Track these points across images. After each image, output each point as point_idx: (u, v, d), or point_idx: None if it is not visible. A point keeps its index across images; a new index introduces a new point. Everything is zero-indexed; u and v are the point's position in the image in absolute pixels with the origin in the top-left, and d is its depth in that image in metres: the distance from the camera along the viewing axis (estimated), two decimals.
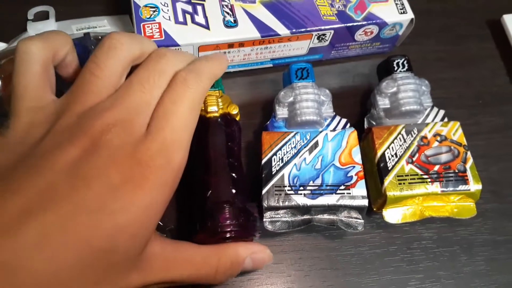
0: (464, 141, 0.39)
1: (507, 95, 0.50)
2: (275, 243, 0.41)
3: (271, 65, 0.49)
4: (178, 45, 0.42)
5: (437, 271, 0.40)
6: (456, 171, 0.38)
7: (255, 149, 0.42)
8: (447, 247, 0.41)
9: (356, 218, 0.37)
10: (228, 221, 0.35)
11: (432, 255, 0.41)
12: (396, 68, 0.43)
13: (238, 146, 0.40)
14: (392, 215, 0.38)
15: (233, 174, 0.37)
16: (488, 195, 0.43)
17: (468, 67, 0.52)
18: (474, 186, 0.37)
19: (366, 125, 0.42)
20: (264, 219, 0.37)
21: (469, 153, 0.39)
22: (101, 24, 0.48)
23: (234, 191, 0.36)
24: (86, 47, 0.43)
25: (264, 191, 0.37)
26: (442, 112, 0.42)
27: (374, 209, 0.39)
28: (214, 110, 0.39)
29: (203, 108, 0.39)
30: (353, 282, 0.39)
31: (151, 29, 0.42)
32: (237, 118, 0.41)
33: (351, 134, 0.40)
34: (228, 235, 0.35)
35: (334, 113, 0.42)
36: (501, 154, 0.46)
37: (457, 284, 0.40)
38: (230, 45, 0.43)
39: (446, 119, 0.42)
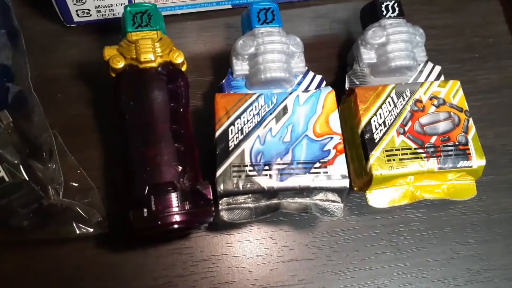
0: (465, 105, 0.32)
1: (505, 47, 0.43)
2: (235, 230, 0.34)
3: (229, 6, 0.40)
4: None
5: (425, 258, 0.35)
6: (457, 143, 0.31)
7: (207, 116, 0.33)
8: (437, 229, 0.36)
9: (333, 201, 0.30)
10: (169, 209, 0.27)
11: (420, 239, 0.35)
12: (384, 12, 0.35)
13: (184, 107, 0.32)
14: (378, 198, 0.31)
15: (179, 145, 0.29)
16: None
17: (461, 12, 0.45)
18: (477, 161, 0.31)
19: (347, 85, 0.34)
20: (220, 207, 0.29)
21: (471, 120, 0.32)
22: None
23: (179, 167, 0.29)
24: None
25: (218, 172, 0.29)
26: (438, 68, 0.35)
27: (355, 189, 0.32)
28: (150, 58, 0.30)
29: (135, 56, 0.30)
30: (329, 275, 0.33)
31: None
32: (183, 69, 0.32)
33: (328, 96, 0.32)
34: (170, 227, 0.27)
35: (307, 67, 0.34)
36: (497, 117, 0.40)
37: (446, 273, 0.34)
38: None
39: (442, 77, 0.35)
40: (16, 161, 0.27)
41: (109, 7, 0.35)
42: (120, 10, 0.35)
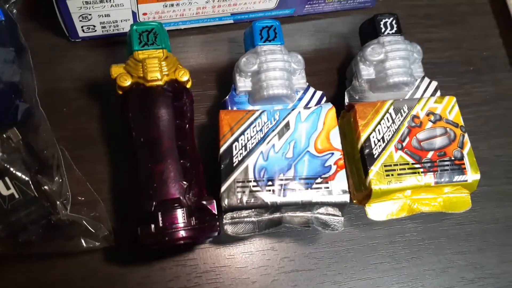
0: (461, 121, 0.33)
1: (500, 60, 0.44)
2: (237, 242, 0.34)
3: (231, 22, 0.40)
4: None
5: (421, 267, 0.35)
6: (452, 158, 0.32)
7: (211, 131, 0.34)
8: (432, 239, 0.36)
9: (334, 215, 0.31)
10: (176, 225, 0.28)
11: (416, 249, 0.36)
12: (383, 29, 0.35)
13: (190, 124, 0.32)
14: (377, 211, 0.32)
15: (184, 161, 0.30)
16: None
17: (458, 26, 0.45)
18: (472, 176, 0.32)
19: (346, 100, 0.35)
20: (224, 221, 0.30)
21: (466, 135, 0.33)
22: None
23: (185, 183, 0.29)
24: None
25: (223, 188, 0.30)
26: (434, 84, 0.36)
27: (354, 202, 0.33)
28: (157, 77, 0.30)
29: (142, 74, 0.30)
30: (328, 285, 0.34)
31: None
32: (188, 86, 0.33)
33: (329, 112, 0.33)
34: (177, 242, 0.28)
35: (308, 84, 0.35)
36: (491, 129, 0.41)
37: (442, 282, 0.35)
38: None
39: (439, 93, 0.35)
40: (26, 178, 0.28)
41: (114, 23, 0.35)
42: (124, 26, 0.36)
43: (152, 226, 0.28)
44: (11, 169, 0.27)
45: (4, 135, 0.28)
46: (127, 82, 0.30)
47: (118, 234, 0.32)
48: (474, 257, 0.36)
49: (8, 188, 0.27)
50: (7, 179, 0.27)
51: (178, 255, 0.33)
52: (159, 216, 0.28)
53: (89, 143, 0.35)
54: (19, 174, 0.28)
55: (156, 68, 0.30)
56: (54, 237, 0.30)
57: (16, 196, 0.27)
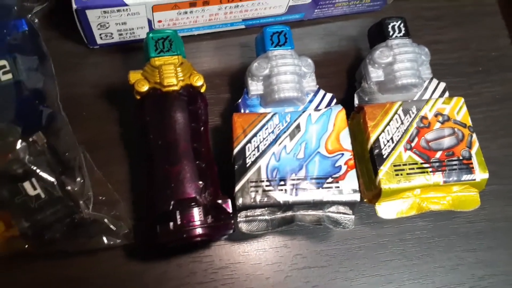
0: (469, 121, 0.34)
1: (509, 60, 0.44)
2: (251, 240, 0.35)
3: (243, 27, 0.41)
4: (126, 5, 0.33)
5: (431, 265, 0.36)
6: (461, 158, 0.33)
7: (224, 133, 0.35)
8: (443, 237, 0.37)
9: (345, 213, 0.32)
10: (193, 223, 0.29)
11: (427, 246, 0.37)
12: (391, 32, 0.36)
13: (205, 126, 0.33)
14: (386, 209, 0.33)
15: (200, 162, 0.31)
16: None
17: (466, 27, 0.45)
18: (480, 175, 0.32)
19: (356, 102, 0.36)
20: (238, 219, 0.31)
21: (474, 135, 0.33)
22: None
23: (201, 183, 0.30)
24: None
25: (237, 187, 0.31)
26: (442, 85, 0.36)
27: (365, 200, 0.34)
28: (173, 82, 0.32)
29: (158, 80, 0.32)
30: (340, 281, 0.35)
31: None
32: (202, 90, 0.34)
33: (339, 114, 0.33)
34: (194, 239, 0.29)
35: (318, 86, 0.36)
36: (500, 129, 0.41)
37: (452, 279, 0.36)
38: (192, 4, 0.35)
39: (447, 94, 0.36)
40: (51, 179, 0.29)
41: (130, 30, 0.37)
42: (140, 33, 0.37)
43: (171, 224, 0.29)
44: (37, 171, 0.29)
45: (30, 139, 0.29)
46: (144, 87, 0.32)
47: (136, 232, 0.33)
48: (484, 254, 0.37)
49: (35, 188, 0.29)
50: (33, 180, 0.29)
51: (195, 252, 0.34)
52: (177, 214, 0.29)
53: (107, 146, 0.36)
54: (44, 175, 0.29)
55: (172, 74, 0.32)
56: (77, 235, 0.31)
57: (42, 196, 0.29)
